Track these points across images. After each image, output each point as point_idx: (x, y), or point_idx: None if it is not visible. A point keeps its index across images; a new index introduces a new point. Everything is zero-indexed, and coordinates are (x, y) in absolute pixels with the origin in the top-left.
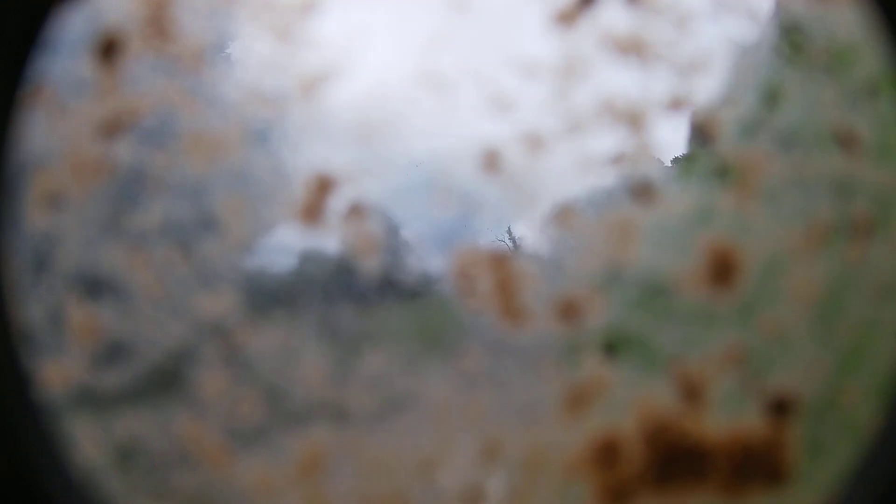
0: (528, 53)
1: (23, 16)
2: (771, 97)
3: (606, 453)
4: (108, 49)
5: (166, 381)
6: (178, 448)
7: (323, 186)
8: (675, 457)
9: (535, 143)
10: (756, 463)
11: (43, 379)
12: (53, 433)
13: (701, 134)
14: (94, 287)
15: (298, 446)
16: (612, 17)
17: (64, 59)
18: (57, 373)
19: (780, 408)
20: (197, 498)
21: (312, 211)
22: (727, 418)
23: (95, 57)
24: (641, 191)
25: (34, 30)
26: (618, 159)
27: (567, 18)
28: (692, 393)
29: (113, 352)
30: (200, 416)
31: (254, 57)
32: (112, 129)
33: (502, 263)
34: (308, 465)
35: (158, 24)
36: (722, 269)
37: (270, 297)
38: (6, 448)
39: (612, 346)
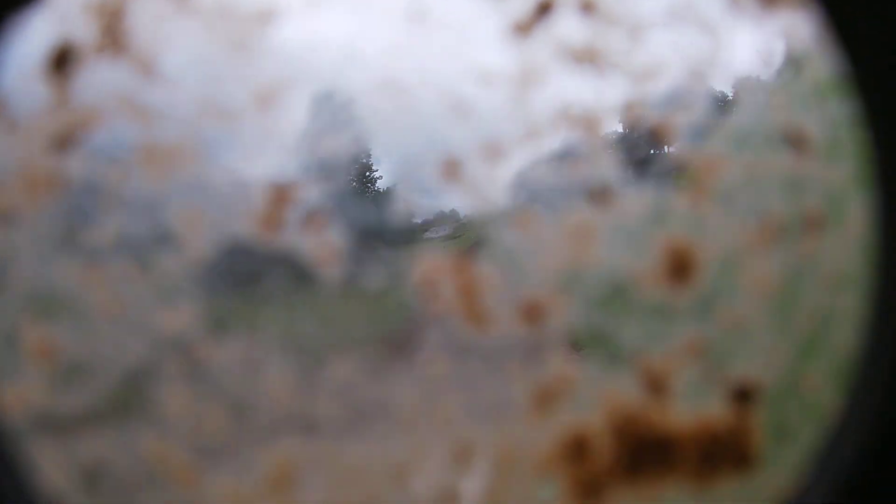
0: (486, 62)
1: None
2: (722, 101)
3: (576, 448)
4: (62, 60)
5: (128, 400)
6: (144, 468)
7: (281, 196)
8: (643, 448)
9: (493, 149)
10: (723, 449)
11: (2, 403)
12: (15, 458)
13: (655, 137)
14: (50, 306)
15: (268, 460)
16: (567, 27)
17: (15, 70)
18: (15, 396)
19: (743, 395)
20: None
21: (271, 220)
22: (692, 408)
23: (48, 68)
24: (598, 193)
25: None
26: (574, 163)
27: (523, 29)
28: (657, 386)
29: (72, 372)
30: (165, 434)
31: (208, 68)
32: (64, 142)
33: (464, 268)
34: (279, 478)
35: (112, 36)
36: (679, 266)
37: (231, 309)
38: None
39: (576, 345)
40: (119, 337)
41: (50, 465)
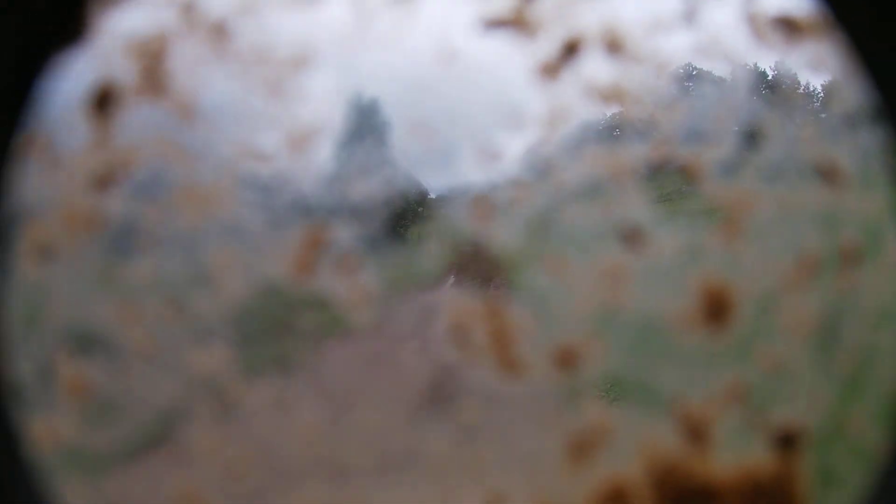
0: (515, 104)
1: (19, 65)
2: (752, 136)
3: (614, 501)
4: (103, 101)
5: (159, 439)
6: None
7: (314, 238)
8: (684, 499)
9: (522, 190)
10: (768, 499)
11: (33, 437)
12: (44, 493)
13: (685, 175)
14: (85, 342)
15: None
16: (594, 68)
17: (59, 109)
18: (47, 430)
19: (787, 441)
20: None
21: (305, 263)
22: (734, 456)
23: (90, 108)
24: (630, 235)
25: (30, 79)
26: (605, 204)
27: (551, 70)
28: (696, 433)
29: (104, 409)
30: (194, 475)
31: (246, 110)
32: (105, 181)
33: (496, 314)
34: None
35: (153, 78)
36: (716, 308)
37: (264, 352)
38: None
39: (612, 391)
40: (152, 376)
41: (77, 501)
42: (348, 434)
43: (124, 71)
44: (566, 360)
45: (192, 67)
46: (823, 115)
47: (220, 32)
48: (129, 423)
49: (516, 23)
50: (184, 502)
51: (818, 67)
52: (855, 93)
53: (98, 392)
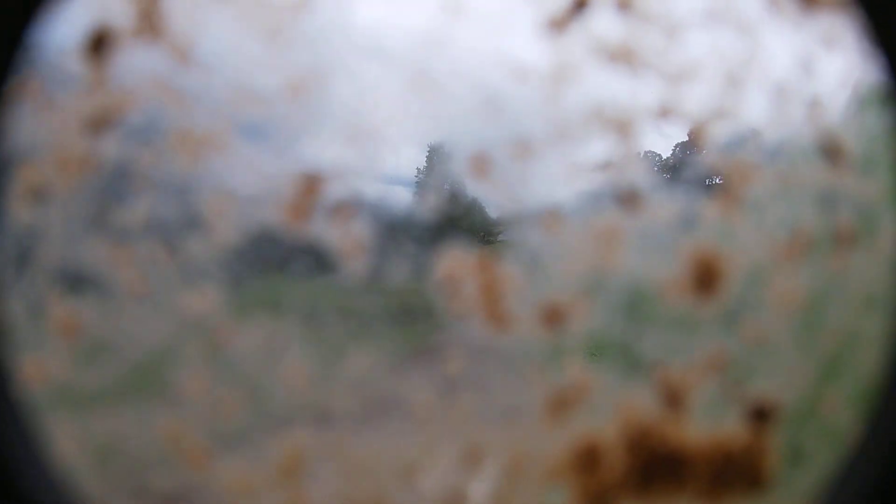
0: (520, 58)
1: (11, 8)
2: (759, 108)
3: (588, 458)
4: (98, 44)
5: (148, 380)
6: (158, 448)
7: (310, 185)
8: (656, 462)
9: (524, 148)
10: (736, 469)
11: (23, 375)
12: (33, 430)
13: (689, 143)
14: (77, 283)
15: (280, 448)
16: (603, 25)
17: (53, 52)
18: (37, 369)
19: (761, 414)
20: (176, 499)
21: (299, 209)
22: (708, 425)
23: (85, 51)
24: (628, 197)
25: (25, 22)
26: (605, 166)
27: (558, 24)
28: (674, 399)
29: (94, 349)
30: (181, 415)
31: (243, 55)
32: (99, 124)
33: (488, 267)
34: (289, 466)
35: (149, 20)
36: (706, 277)
37: (254, 296)
38: None
39: (595, 352)
40: (143, 317)
41: (66, 439)
42: (334, 380)
43: (121, 13)
44: (553, 317)
45: (188, 10)
46: (833, 94)
47: None
48: (118, 362)
49: None
50: (170, 441)
51: (832, 43)
52: (868, 73)
53: (88, 332)
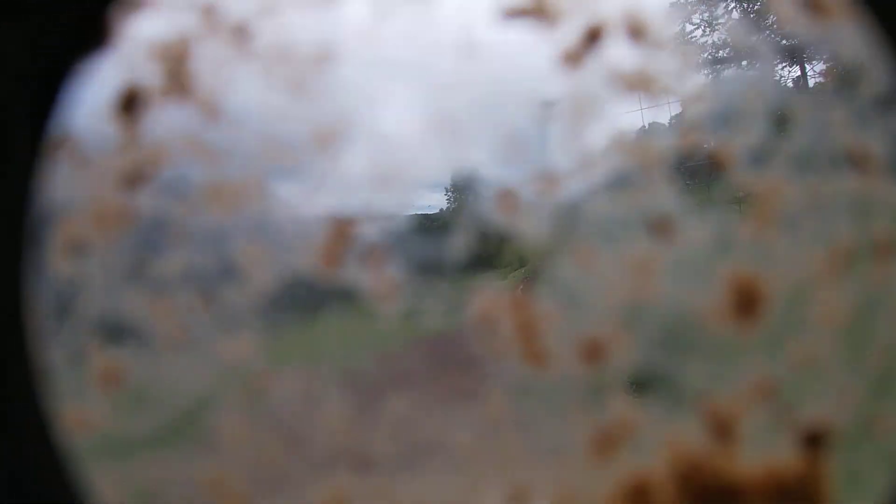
0: (538, 93)
1: (48, 68)
2: (780, 122)
3: (637, 496)
4: (130, 103)
5: (188, 427)
6: (200, 496)
7: (340, 231)
8: (708, 497)
9: (549, 181)
10: (793, 498)
11: (66, 424)
12: (76, 479)
13: (714, 164)
14: (117, 333)
15: (321, 494)
16: (617, 54)
17: (87, 113)
18: (79, 418)
19: (814, 440)
20: None
21: (332, 254)
22: (760, 454)
23: (117, 110)
24: (658, 225)
25: (59, 82)
26: (633, 195)
27: (573, 58)
28: (722, 430)
29: (135, 398)
30: (222, 463)
31: (269, 108)
32: (134, 179)
33: (523, 305)
34: None
35: (177, 79)
36: (745, 300)
37: (291, 341)
38: (30, 492)
39: (638, 385)
40: (182, 365)
41: (107, 487)
42: (374, 424)
43: (149, 73)
44: (592, 352)
45: (215, 68)
46: (854, 100)
47: (241, 33)
48: (158, 410)
49: (536, 11)
50: (211, 489)
51: (845, 47)
52: (885, 75)
53: (129, 381)
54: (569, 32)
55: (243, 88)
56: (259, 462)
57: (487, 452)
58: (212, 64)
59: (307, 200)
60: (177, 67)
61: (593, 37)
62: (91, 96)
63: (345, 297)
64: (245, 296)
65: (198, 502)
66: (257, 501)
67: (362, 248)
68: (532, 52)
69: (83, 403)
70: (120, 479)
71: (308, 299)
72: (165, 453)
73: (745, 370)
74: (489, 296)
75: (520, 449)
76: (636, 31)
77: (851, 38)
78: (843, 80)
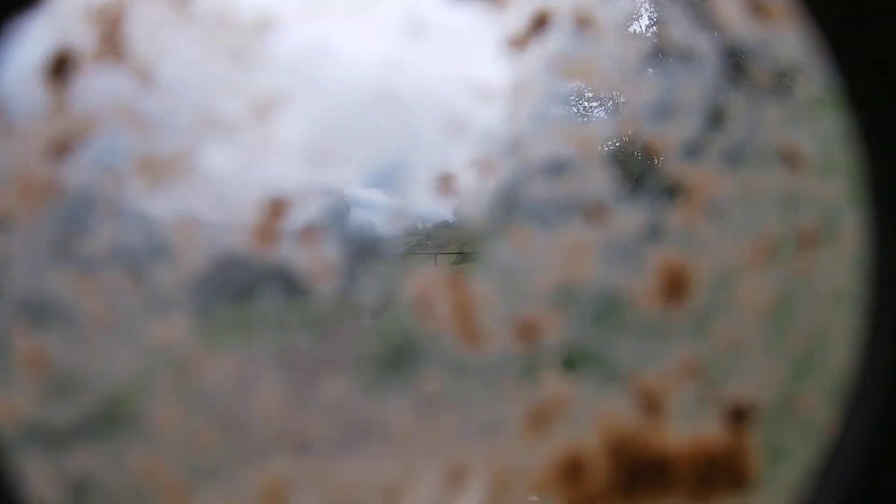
0: (482, 77)
1: None
2: (716, 117)
3: (571, 469)
4: (60, 67)
5: (119, 413)
6: (133, 483)
7: (276, 209)
8: (639, 469)
9: (487, 164)
10: (719, 470)
11: None
12: (4, 469)
13: (649, 154)
14: (42, 315)
15: (259, 478)
16: (562, 42)
17: (13, 76)
18: (6, 407)
19: (739, 415)
20: None
21: (266, 234)
22: (688, 429)
23: (46, 75)
24: (593, 209)
25: None
26: (569, 180)
27: (519, 43)
28: (652, 405)
29: (63, 383)
30: (155, 449)
31: (207, 78)
32: (61, 149)
33: (459, 285)
34: (270, 497)
35: (110, 43)
36: (674, 285)
37: (224, 323)
38: None
39: (571, 363)
40: (111, 348)
41: (38, 476)
42: (310, 406)
43: (82, 36)
44: (527, 331)
45: (151, 32)
46: (788, 99)
47: None
48: (88, 396)
49: None
50: (145, 476)
51: (785, 49)
52: (819, 77)
53: (56, 365)
54: (516, 17)
55: (179, 55)
56: (194, 448)
57: (424, 431)
58: (148, 27)
59: (242, 176)
60: (111, 30)
61: (540, 23)
62: (18, 59)
63: (280, 276)
64: (176, 275)
65: (132, 491)
66: (194, 488)
67: (298, 228)
68: (478, 34)
69: (8, 390)
70: (51, 468)
71: (242, 280)
72: (97, 441)
73: (674, 350)
74: (426, 276)
75: (456, 427)
76: (583, 21)
77: (791, 41)
78: (780, 80)
